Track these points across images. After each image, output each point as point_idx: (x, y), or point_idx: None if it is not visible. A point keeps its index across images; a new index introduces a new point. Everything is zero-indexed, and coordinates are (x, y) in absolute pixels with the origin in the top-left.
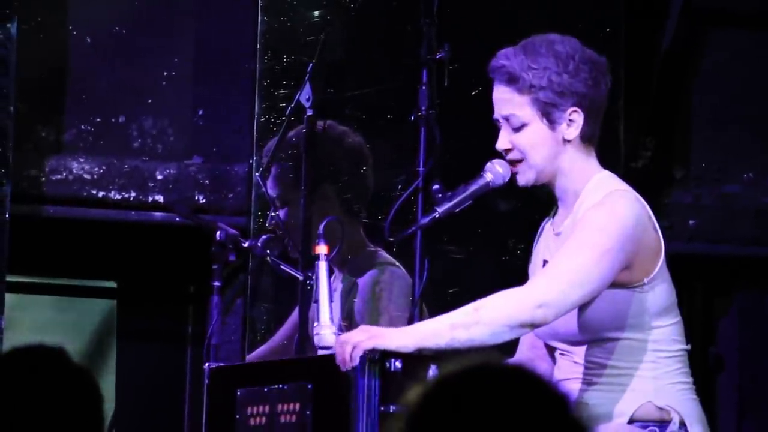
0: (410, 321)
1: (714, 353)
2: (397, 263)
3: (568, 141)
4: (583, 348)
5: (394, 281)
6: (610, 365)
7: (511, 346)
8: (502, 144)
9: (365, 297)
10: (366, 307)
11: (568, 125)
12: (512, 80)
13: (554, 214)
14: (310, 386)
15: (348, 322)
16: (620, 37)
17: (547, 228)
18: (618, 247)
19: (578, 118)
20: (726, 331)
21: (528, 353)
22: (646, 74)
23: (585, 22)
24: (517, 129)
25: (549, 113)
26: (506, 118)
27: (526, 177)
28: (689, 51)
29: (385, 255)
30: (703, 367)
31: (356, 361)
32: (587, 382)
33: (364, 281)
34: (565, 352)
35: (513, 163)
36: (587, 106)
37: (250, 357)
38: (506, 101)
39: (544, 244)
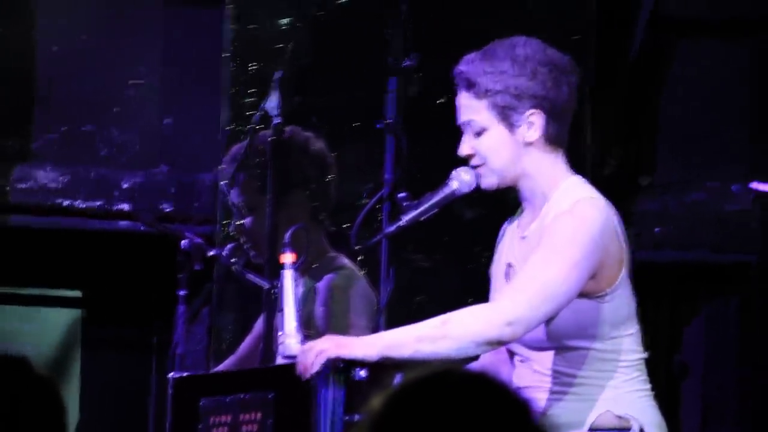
0: (375, 330)
1: (679, 361)
2: (355, 268)
3: (530, 143)
4: (543, 355)
5: (351, 285)
6: (569, 374)
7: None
8: (463, 150)
9: (324, 301)
10: (325, 312)
11: (528, 128)
12: (470, 85)
13: (519, 216)
14: (271, 395)
15: (308, 328)
16: (590, 45)
17: (512, 229)
18: (585, 259)
19: (538, 120)
20: (691, 339)
21: (491, 358)
22: (614, 83)
23: (554, 30)
24: (478, 134)
25: (507, 116)
26: (467, 124)
27: (488, 180)
28: (657, 60)
29: (344, 260)
30: (668, 375)
31: (316, 369)
32: (547, 391)
33: (322, 285)
34: (524, 359)
35: (476, 167)
36: (548, 108)
37: (217, 368)
38: (466, 107)
39: (509, 246)
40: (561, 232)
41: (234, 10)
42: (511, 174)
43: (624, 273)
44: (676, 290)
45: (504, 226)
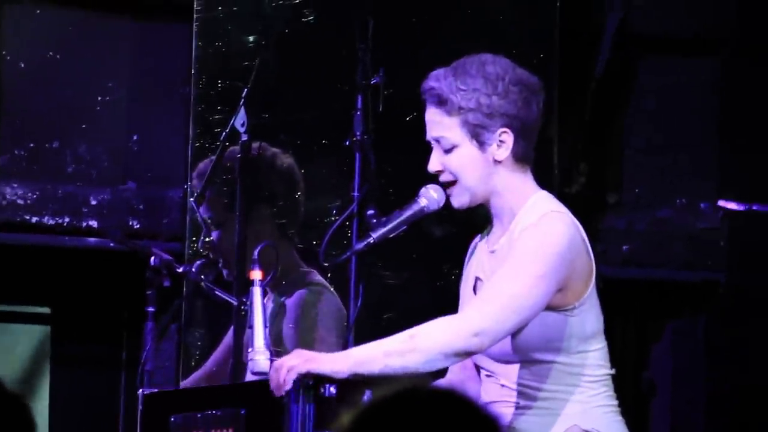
0: (344, 346)
1: (647, 378)
2: (326, 284)
3: (499, 162)
4: (510, 369)
5: (321, 301)
6: (536, 388)
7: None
8: (433, 166)
9: (294, 317)
10: (294, 329)
11: (498, 146)
12: (441, 102)
13: (489, 232)
14: (243, 411)
15: (278, 344)
16: (554, 63)
17: (481, 245)
18: (552, 272)
19: (508, 138)
20: (659, 356)
21: (459, 374)
22: (580, 100)
23: (519, 47)
24: (448, 151)
25: (478, 135)
26: (437, 140)
27: (459, 200)
28: (623, 76)
29: (315, 276)
30: (636, 392)
31: (290, 385)
32: (514, 405)
33: (291, 302)
34: (491, 374)
35: (446, 185)
36: (518, 127)
37: (185, 383)
38: (436, 123)
39: (477, 262)
40: (527, 245)
41: (200, 27)
42: (481, 192)
43: (592, 287)
44: (643, 308)
45: (474, 242)
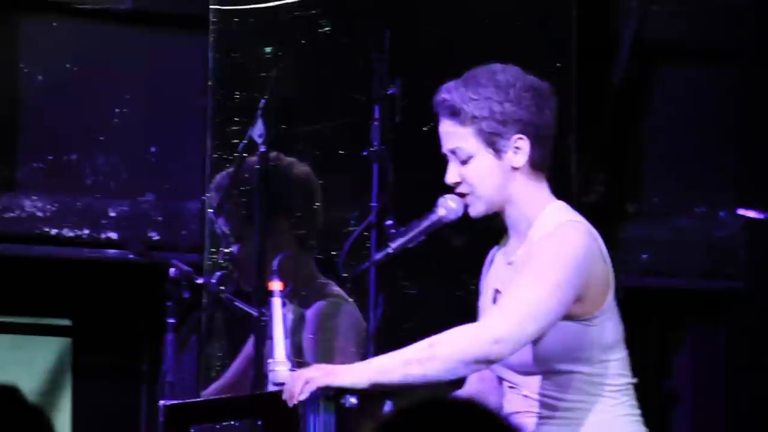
0: (364, 357)
1: (668, 387)
2: (345, 296)
3: (516, 168)
4: (532, 381)
5: (340, 313)
6: (559, 398)
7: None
8: (451, 178)
9: (313, 329)
10: (314, 341)
11: (514, 153)
12: (454, 113)
13: (505, 244)
14: (259, 422)
15: (298, 355)
16: (572, 72)
17: (498, 257)
18: (569, 280)
19: (524, 145)
20: (680, 365)
21: (477, 385)
22: (599, 109)
23: (536, 58)
24: (465, 161)
25: (494, 143)
26: (453, 152)
27: (476, 209)
28: (641, 86)
29: (334, 287)
30: (658, 401)
31: (304, 396)
32: (537, 416)
33: (310, 313)
34: (513, 385)
35: (464, 196)
36: (532, 133)
37: (205, 393)
38: (451, 135)
39: (495, 274)
40: (544, 254)
41: (217, 38)
42: (498, 200)
43: (611, 297)
44: (663, 317)
45: (491, 253)
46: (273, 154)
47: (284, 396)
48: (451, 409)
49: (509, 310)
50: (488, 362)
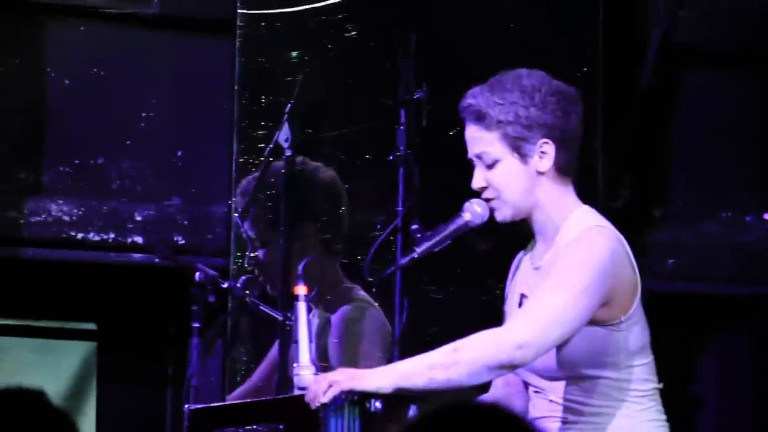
0: (389, 361)
1: (694, 392)
2: (370, 300)
3: (542, 173)
4: (558, 386)
5: (365, 317)
6: (585, 403)
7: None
8: (477, 183)
9: (338, 333)
10: (339, 345)
11: (540, 157)
12: (480, 118)
13: (532, 248)
14: (282, 426)
15: (323, 359)
16: (598, 75)
17: (525, 262)
18: (595, 285)
19: (550, 149)
20: (706, 370)
21: (502, 390)
22: (625, 113)
23: (562, 62)
24: (490, 166)
25: (519, 147)
26: (479, 156)
27: (503, 214)
28: (667, 89)
29: (359, 292)
30: (683, 406)
31: (327, 399)
32: (563, 421)
33: (336, 317)
34: (539, 390)
35: (490, 201)
36: (558, 137)
37: (230, 397)
38: (477, 139)
39: (522, 278)
40: (570, 259)
41: (244, 42)
42: (525, 205)
43: (637, 302)
44: (689, 322)
45: (517, 258)
46: (299, 158)
47: (307, 398)
48: (476, 413)
49: (534, 315)
50: (512, 367)
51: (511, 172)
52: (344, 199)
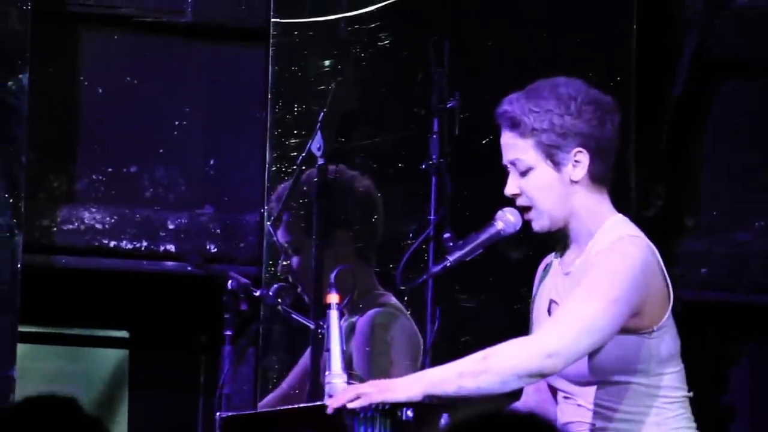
0: (420, 370)
1: (726, 401)
2: (401, 307)
3: (576, 182)
4: (588, 391)
5: (393, 324)
6: (613, 409)
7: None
8: (510, 189)
9: (363, 337)
10: (365, 349)
11: (573, 166)
12: (515, 125)
13: (562, 254)
14: None
15: (350, 366)
16: (631, 85)
17: (554, 267)
18: (626, 295)
19: (584, 158)
20: (738, 380)
21: (534, 396)
22: (658, 122)
23: (596, 71)
24: (524, 173)
25: (553, 155)
26: (512, 163)
27: (540, 224)
28: (700, 99)
29: (390, 298)
30: (715, 416)
31: (354, 406)
32: (591, 428)
33: (362, 321)
34: (569, 395)
35: (523, 210)
36: (593, 147)
37: (261, 404)
38: (511, 146)
39: (551, 283)
40: (602, 268)
41: (277, 51)
42: (560, 214)
43: (669, 311)
44: (721, 331)
45: (545, 261)
46: (336, 167)
47: (327, 400)
48: (512, 422)
49: (564, 324)
50: (542, 376)
51: (545, 180)
52: (379, 209)
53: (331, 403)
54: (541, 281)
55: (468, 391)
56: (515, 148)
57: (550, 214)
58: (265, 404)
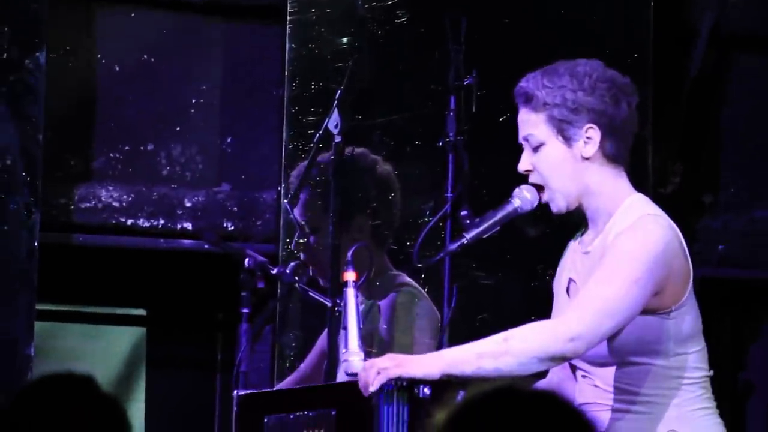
0: (438, 348)
1: (744, 379)
2: (417, 286)
3: (587, 159)
4: (606, 371)
5: (414, 304)
6: (633, 392)
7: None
8: (523, 165)
9: (387, 320)
10: (388, 330)
11: (585, 143)
12: (528, 100)
13: (582, 233)
14: (333, 413)
15: (370, 345)
16: (648, 63)
17: (573, 245)
18: (648, 275)
19: (595, 135)
20: (756, 357)
21: (559, 373)
22: (675, 100)
23: (613, 48)
24: (536, 149)
25: (563, 130)
26: (526, 139)
27: (557, 204)
28: (718, 76)
29: (405, 278)
30: (733, 394)
31: (377, 386)
32: (609, 408)
33: (385, 303)
34: (587, 374)
35: (537, 187)
36: (605, 124)
37: (280, 385)
38: (525, 122)
39: (571, 261)
40: (623, 249)
41: (294, 29)
42: (573, 191)
43: (690, 290)
44: (739, 308)
45: (569, 243)
46: (359, 150)
47: (360, 385)
48: (529, 399)
49: (585, 307)
50: (563, 359)
51: (556, 156)
52: (397, 190)
53: (364, 388)
54: (562, 262)
55: (486, 372)
56: (528, 123)
57: (563, 193)
58: (284, 384)
